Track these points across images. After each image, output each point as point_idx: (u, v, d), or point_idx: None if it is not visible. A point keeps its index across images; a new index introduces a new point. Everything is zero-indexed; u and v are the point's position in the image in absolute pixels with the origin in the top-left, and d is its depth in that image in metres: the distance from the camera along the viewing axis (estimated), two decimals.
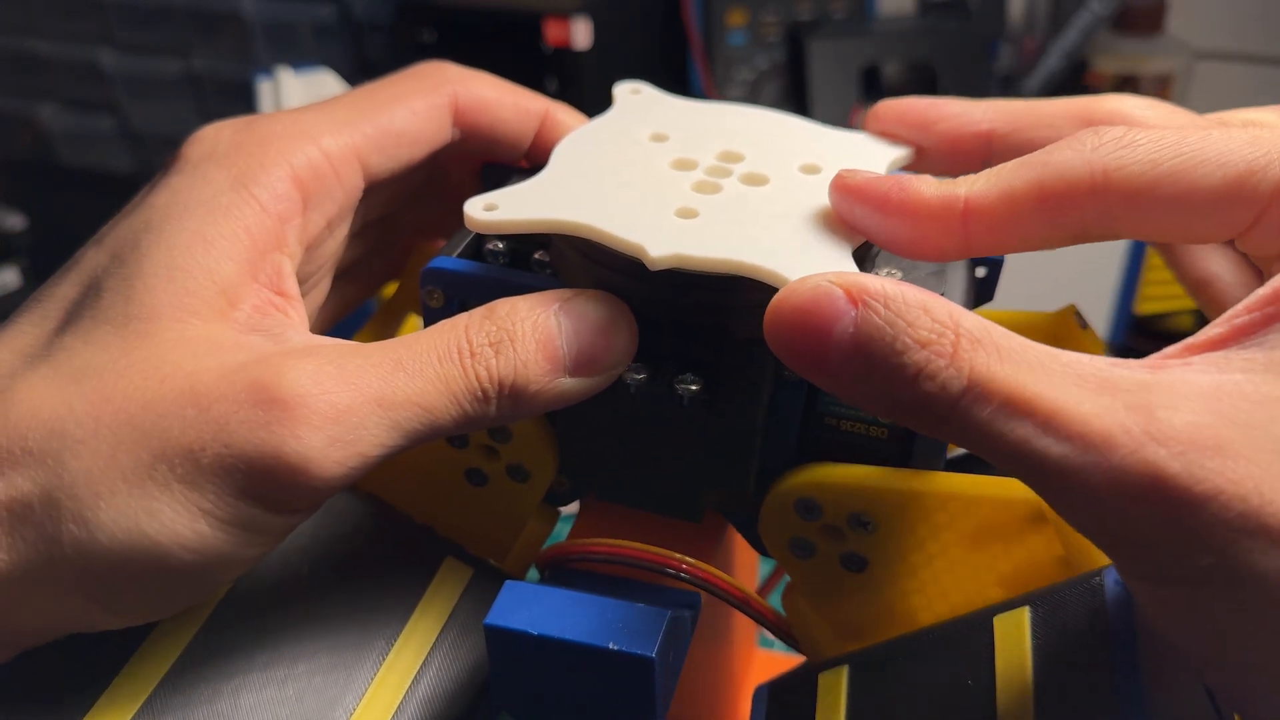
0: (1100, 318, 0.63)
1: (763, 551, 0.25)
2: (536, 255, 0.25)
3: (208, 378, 0.20)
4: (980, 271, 0.27)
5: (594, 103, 0.28)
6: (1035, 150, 0.21)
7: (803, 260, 0.21)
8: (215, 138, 0.24)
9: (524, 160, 0.29)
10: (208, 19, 0.76)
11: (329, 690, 0.23)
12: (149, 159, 0.84)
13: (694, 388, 0.23)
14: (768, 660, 0.40)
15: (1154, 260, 0.60)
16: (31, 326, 0.22)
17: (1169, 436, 0.16)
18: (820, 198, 0.24)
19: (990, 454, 0.18)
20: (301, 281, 0.26)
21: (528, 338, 0.22)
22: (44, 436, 0.20)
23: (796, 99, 0.80)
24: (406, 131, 0.26)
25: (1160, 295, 0.62)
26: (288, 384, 0.20)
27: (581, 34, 0.68)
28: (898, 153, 0.26)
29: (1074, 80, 0.80)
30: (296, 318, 0.23)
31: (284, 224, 0.24)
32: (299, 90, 0.66)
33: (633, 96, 0.29)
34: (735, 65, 0.79)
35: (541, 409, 0.22)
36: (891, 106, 0.27)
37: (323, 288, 0.27)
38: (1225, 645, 0.17)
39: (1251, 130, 0.20)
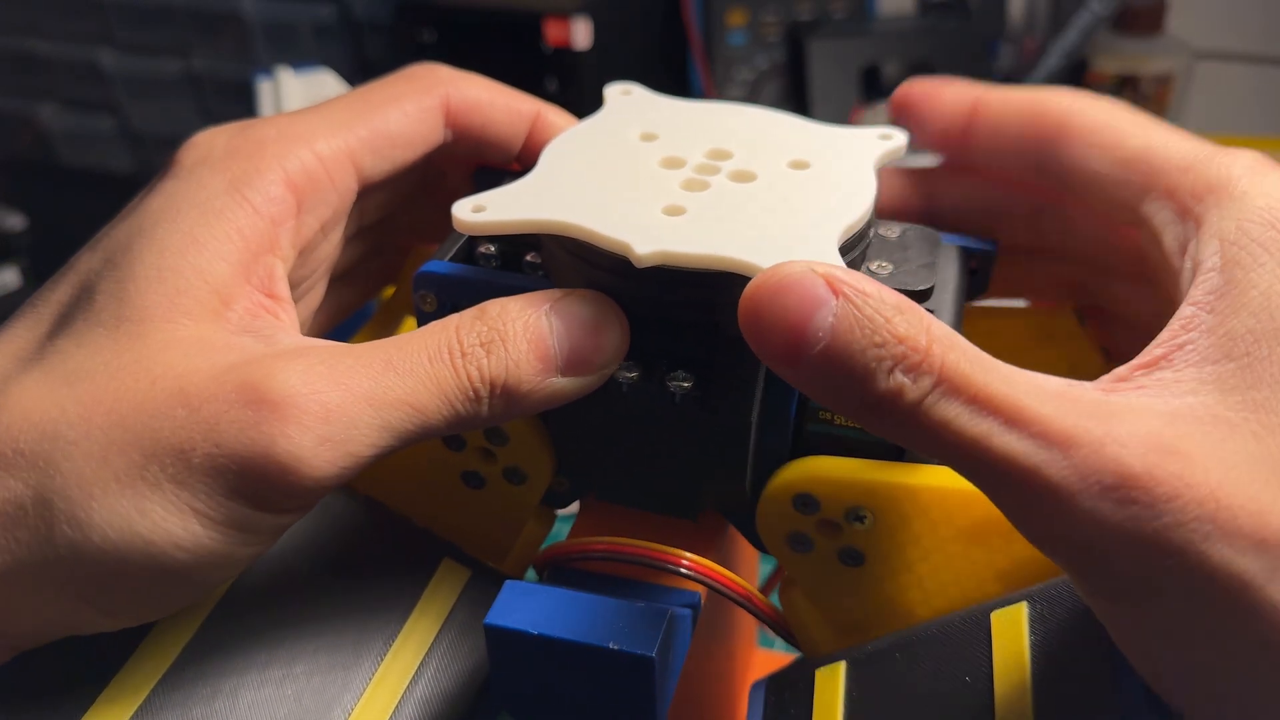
0: None
1: (761, 548, 0.25)
2: (528, 257, 0.25)
3: (198, 378, 0.20)
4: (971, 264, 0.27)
5: (594, 103, 0.28)
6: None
7: (788, 255, 0.21)
8: (210, 143, 0.25)
9: (516, 163, 0.29)
10: (208, 19, 0.76)
11: (327, 690, 0.23)
12: (149, 159, 0.84)
13: (686, 385, 0.23)
14: (767, 659, 0.40)
15: None
16: (25, 330, 0.22)
17: (1130, 440, 0.17)
18: (808, 193, 0.24)
19: (951, 453, 0.18)
20: (296, 285, 0.26)
21: (519, 338, 0.22)
22: (36, 439, 0.20)
23: (796, 99, 0.80)
24: (399, 134, 0.26)
25: None
26: (278, 384, 0.20)
27: (581, 34, 0.68)
28: (886, 146, 0.26)
29: (1074, 80, 0.80)
30: (287, 320, 0.23)
31: (277, 227, 0.24)
32: (299, 90, 0.66)
33: (623, 97, 0.29)
34: (735, 65, 0.79)
35: (534, 409, 0.22)
36: (903, 95, 0.28)
37: (318, 291, 0.27)
38: (1179, 652, 0.18)
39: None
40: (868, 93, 0.80)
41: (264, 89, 0.67)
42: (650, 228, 0.22)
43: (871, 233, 0.25)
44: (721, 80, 0.80)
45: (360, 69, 0.78)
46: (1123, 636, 0.19)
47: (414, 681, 0.24)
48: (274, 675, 0.23)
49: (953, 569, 0.23)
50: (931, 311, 0.19)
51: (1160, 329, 0.20)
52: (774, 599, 0.26)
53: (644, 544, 0.24)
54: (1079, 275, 0.29)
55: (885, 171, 0.28)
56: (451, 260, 0.25)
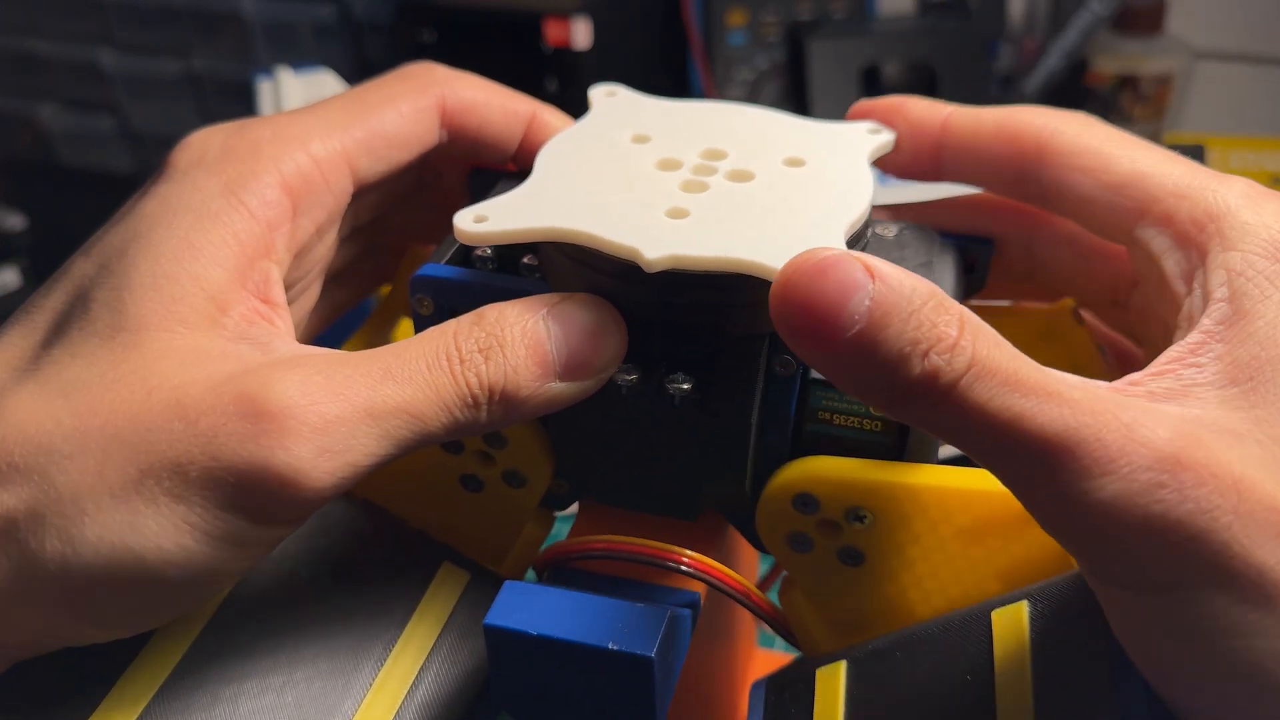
0: None
1: (760, 548, 0.25)
2: (525, 259, 0.25)
3: (195, 390, 0.20)
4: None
5: None
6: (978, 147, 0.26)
7: (799, 252, 0.21)
8: (204, 144, 0.24)
9: (511, 163, 0.29)
10: (208, 19, 0.76)
11: (328, 696, 0.23)
12: (149, 159, 0.84)
13: (685, 387, 0.23)
14: (767, 659, 0.40)
15: None
16: (19, 339, 0.22)
17: (1159, 427, 0.17)
18: (807, 190, 0.24)
19: (984, 435, 0.18)
20: (290, 287, 0.26)
21: (517, 343, 0.22)
22: (30, 452, 0.20)
23: (796, 99, 0.80)
24: (394, 134, 0.26)
25: None
26: (276, 395, 0.19)
27: (581, 34, 0.68)
28: (878, 140, 0.26)
29: (1074, 80, 0.80)
30: (283, 326, 0.23)
31: (273, 231, 0.23)
32: (299, 90, 0.65)
33: (609, 99, 0.28)
34: (735, 65, 0.79)
35: (532, 414, 0.22)
36: (861, 107, 0.28)
37: (312, 292, 0.27)
38: (1187, 649, 0.18)
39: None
40: (868, 93, 0.79)
41: (264, 89, 0.67)
42: (656, 232, 0.22)
43: (870, 231, 0.25)
44: (721, 80, 0.80)
45: (360, 69, 0.78)
46: (1130, 632, 0.19)
47: (415, 686, 0.24)
48: (274, 682, 0.23)
49: (953, 568, 0.23)
50: None
51: (1135, 348, 0.20)
52: (772, 596, 0.26)
53: (643, 541, 0.24)
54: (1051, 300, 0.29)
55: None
56: (448, 263, 0.25)
